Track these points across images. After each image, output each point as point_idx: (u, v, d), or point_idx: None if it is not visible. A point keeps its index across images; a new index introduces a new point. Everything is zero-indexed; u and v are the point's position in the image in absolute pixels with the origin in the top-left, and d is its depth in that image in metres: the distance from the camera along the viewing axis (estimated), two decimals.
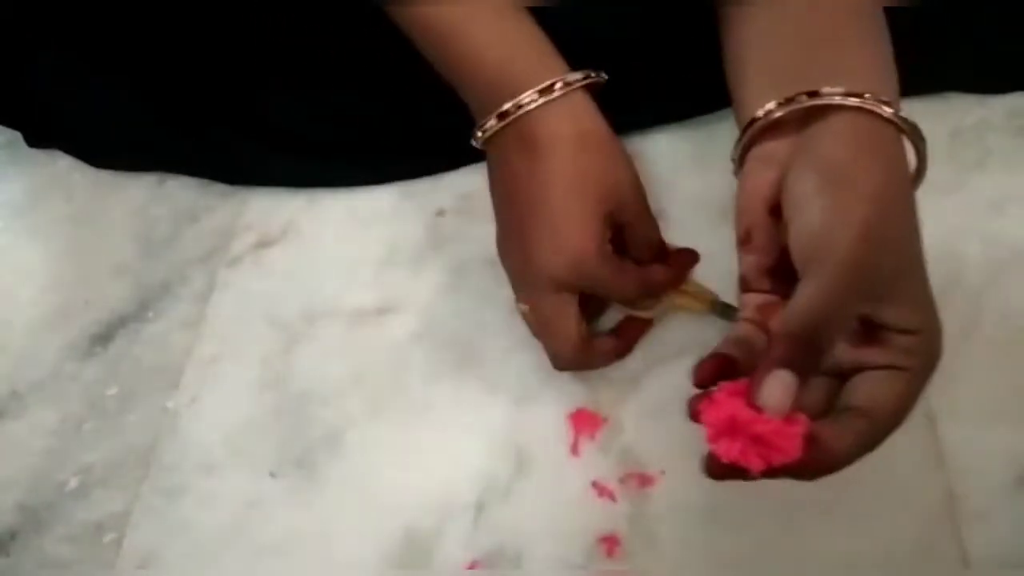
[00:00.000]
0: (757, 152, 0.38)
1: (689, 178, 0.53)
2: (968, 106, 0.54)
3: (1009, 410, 0.44)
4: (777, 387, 0.31)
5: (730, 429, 0.32)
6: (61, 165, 0.62)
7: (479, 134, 0.44)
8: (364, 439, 0.48)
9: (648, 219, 0.45)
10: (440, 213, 0.55)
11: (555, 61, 0.43)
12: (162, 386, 0.51)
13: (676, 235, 0.51)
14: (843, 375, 0.36)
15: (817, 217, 0.33)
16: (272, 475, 0.47)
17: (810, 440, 0.32)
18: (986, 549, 0.41)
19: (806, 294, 0.33)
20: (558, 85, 0.41)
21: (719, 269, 0.49)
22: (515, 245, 0.44)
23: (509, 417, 0.47)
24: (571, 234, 0.41)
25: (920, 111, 0.54)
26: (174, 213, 0.58)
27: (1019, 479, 0.42)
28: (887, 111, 0.34)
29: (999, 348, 0.46)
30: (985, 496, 0.42)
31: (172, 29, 0.55)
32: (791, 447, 0.31)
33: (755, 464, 0.31)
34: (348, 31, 0.55)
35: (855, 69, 0.36)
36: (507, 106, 0.42)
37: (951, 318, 0.46)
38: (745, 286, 0.39)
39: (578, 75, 0.42)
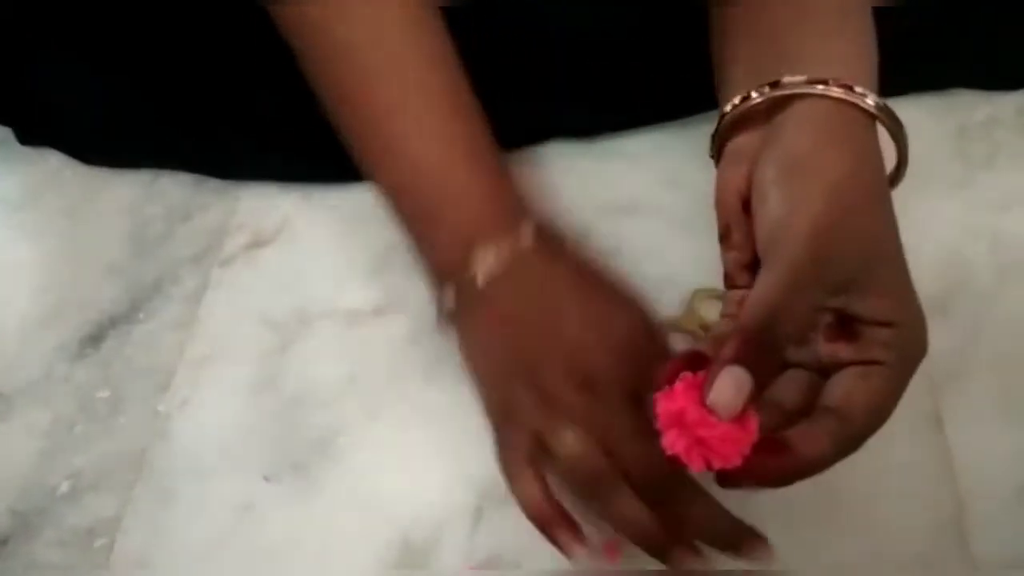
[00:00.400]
0: (731, 147, 0.37)
1: (693, 176, 0.52)
2: (976, 103, 0.54)
3: (1017, 412, 0.44)
4: (728, 386, 0.30)
5: (679, 424, 0.30)
6: (53, 163, 0.61)
7: (477, 274, 0.40)
8: (360, 442, 0.47)
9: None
10: None
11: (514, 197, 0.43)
12: (154, 388, 0.50)
13: (679, 233, 0.51)
14: (825, 371, 0.34)
15: (775, 208, 0.33)
16: (266, 479, 0.46)
17: (782, 447, 0.31)
18: (994, 553, 0.40)
19: (760, 289, 0.31)
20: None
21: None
22: (548, 341, 0.39)
23: None
24: (633, 304, 0.41)
25: (928, 108, 0.54)
26: (167, 212, 0.57)
27: None
28: (852, 97, 0.33)
29: (1008, 350, 0.45)
30: (993, 499, 0.42)
31: (168, 26, 0.55)
32: (733, 454, 0.30)
33: (696, 464, 0.30)
34: None
35: (822, 57, 0.35)
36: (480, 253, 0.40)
37: (959, 318, 0.47)
38: (729, 282, 0.38)
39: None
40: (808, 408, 0.34)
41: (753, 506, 0.42)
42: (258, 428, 0.48)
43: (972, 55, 0.53)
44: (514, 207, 0.42)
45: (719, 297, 0.47)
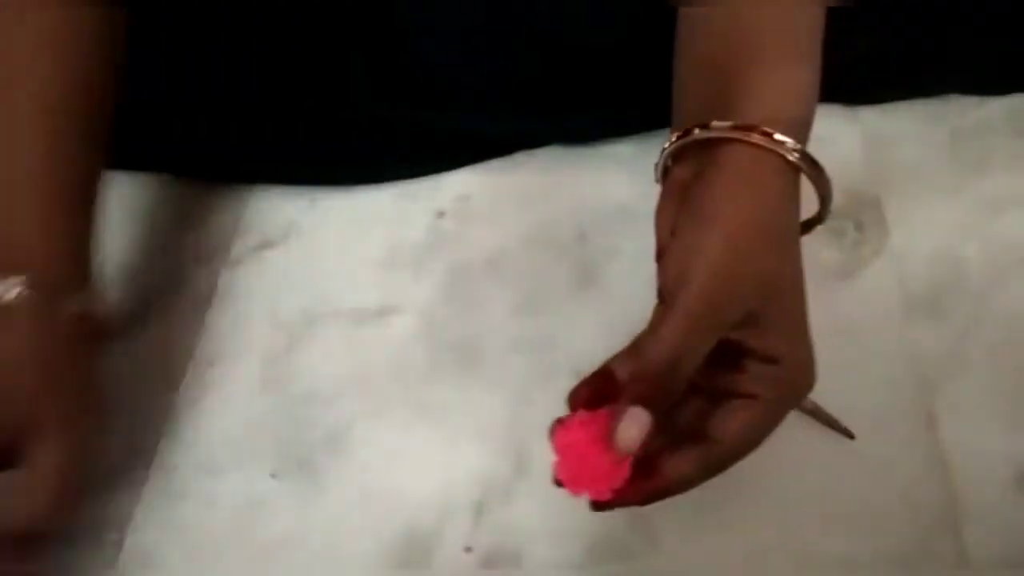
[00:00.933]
0: (670, 178, 0.39)
1: None
2: (968, 107, 0.55)
3: (1009, 411, 0.44)
4: (632, 428, 0.32)
5: (569, 455, 0.34)
6: None
7: None
8: (365, 439, 0.48)
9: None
10: (440, 214, 0.55)
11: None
12: (163, 387, 0.51)
13: None
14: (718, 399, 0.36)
15: (678, 253, 0.34)
16: (273, 476, 0.47)
17: (648, 467, 0.35)
18: (985, 549, 0.41)
19: (661, 332, 0.33)
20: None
21: None
22: None
23: (509, 417, 0.47)
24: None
25: (921, 112, 0.55)
26: (175, 214, 0.58)
27: (1019, 479, 0.42)
28: (772, 145, 0.34)
29: (999, 349, 0.46)
30: (985, 496, 0.42)
31: (177, 31, 0.55)
32: (604, 490, 0.34)
33: (575, 491, 0.34)
34: (347, 37, 0.55)
35: (760, 97, 0.36)
36: None
37: (952, 319, 0.47)
38: (660, 298, 0.39)
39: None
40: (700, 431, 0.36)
41: (749, 502, 0.43)
42: (266, 426, 0.49)
43: (963, 61, 0.53)
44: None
45: None
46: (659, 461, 0.35)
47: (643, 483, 0.35)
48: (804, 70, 0.37)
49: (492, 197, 0.56)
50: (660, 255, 0.39)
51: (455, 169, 0.57)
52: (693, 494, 0.43)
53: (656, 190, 0.53)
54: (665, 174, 0.39)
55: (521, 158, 0.57)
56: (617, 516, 0.43)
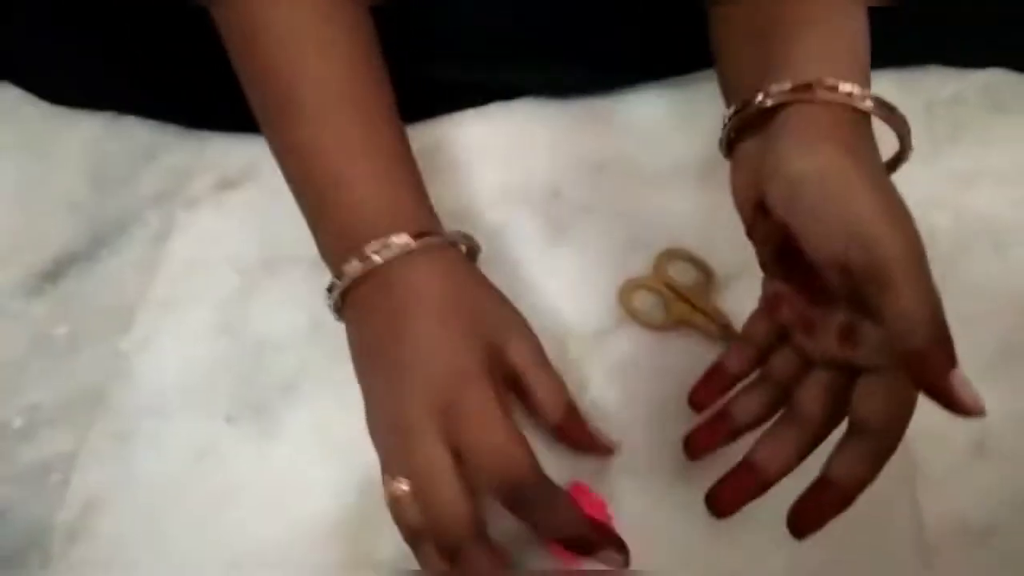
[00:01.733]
0: (738, 152, 0.38)
1: (671, 138, 0.52)
2: (944, 79, 0.55)
3: (971, 378, 0.45)
4: (967, 390, 0.32)
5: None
6: (11, 95, 0.59)
7: (338, 281, 0.40)
8: (321, 386, 0.47)
9: (543, 366, 0.40)
10: None
11: (431, 214, 0.42)
12: (114, 327, 0.49)
13: (651, 193, 0.51)
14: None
15: (830, 237, 0.33)
16: (227, 420, 0.46)
17: (746, 466, 0.37)
18: (943, 516, 0.42)
19: (904, 305, 0.32)
20: (433, 235, 0.39)
21: (697, 232, 0.49)
22: (382, 396, 0.39)
23: None
24: (442, 356, 0.37)
25: (896, 83, 0.55)
26: (130, 150, 0.56)
27: (977, 447, 0.43)
28: (836, 97, 0.34)
29: (963, 319, 0.46)
30: (943, 463, 0.43)
31: None
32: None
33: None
34: None
35: (814, 55, 0.35)
36: (373, 246, 0.38)
37: None
38: (764, 270, 0.40)
39: (454, 233, 0.41)
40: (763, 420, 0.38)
41: (702, 466, 0.42)
42: (220, 370, 0.47)
43: (942, 32, 0.53)
44: (407, 216, 0.41)
45: (687, 259, 0.48)
46: (750, 457, 0.37)
47: (745, 480, 0.37)
48: (852, 20, 0.37)
49: (462, 149, 0.54)
50: (751, 232, 0.38)
51: (425, 119, 0.55)
52: (683, 492, 0.43)
53: (634, 147, 0.53)
54: (730, 147, 0.38)
55: (493, 110, 0.56)
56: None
